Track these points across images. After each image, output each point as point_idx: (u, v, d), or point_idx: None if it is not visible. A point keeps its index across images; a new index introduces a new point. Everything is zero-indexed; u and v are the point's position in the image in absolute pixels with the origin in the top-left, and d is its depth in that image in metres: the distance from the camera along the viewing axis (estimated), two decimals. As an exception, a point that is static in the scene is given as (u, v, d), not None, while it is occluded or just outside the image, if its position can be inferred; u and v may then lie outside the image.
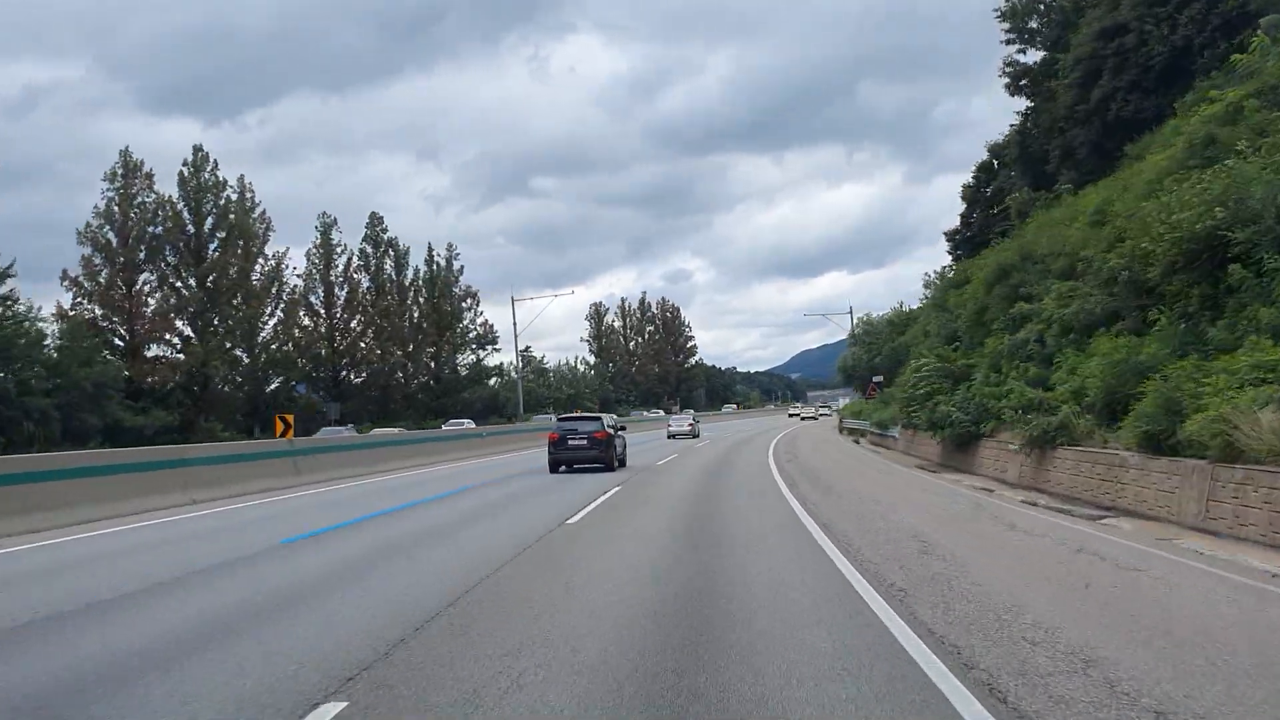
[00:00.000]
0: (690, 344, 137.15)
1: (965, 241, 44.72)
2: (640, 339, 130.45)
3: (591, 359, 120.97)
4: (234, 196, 61.81)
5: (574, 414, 32.02)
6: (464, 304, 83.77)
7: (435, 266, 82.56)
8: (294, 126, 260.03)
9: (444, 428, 53.04)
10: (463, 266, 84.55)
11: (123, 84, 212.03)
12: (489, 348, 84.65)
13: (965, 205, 44.50)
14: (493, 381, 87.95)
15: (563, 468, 23.65)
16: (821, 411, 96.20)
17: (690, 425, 53.76)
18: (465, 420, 59.31)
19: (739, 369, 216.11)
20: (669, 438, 48.97)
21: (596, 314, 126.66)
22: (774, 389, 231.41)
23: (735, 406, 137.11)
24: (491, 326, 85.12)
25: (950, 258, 46.44)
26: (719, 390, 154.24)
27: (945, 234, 46.48)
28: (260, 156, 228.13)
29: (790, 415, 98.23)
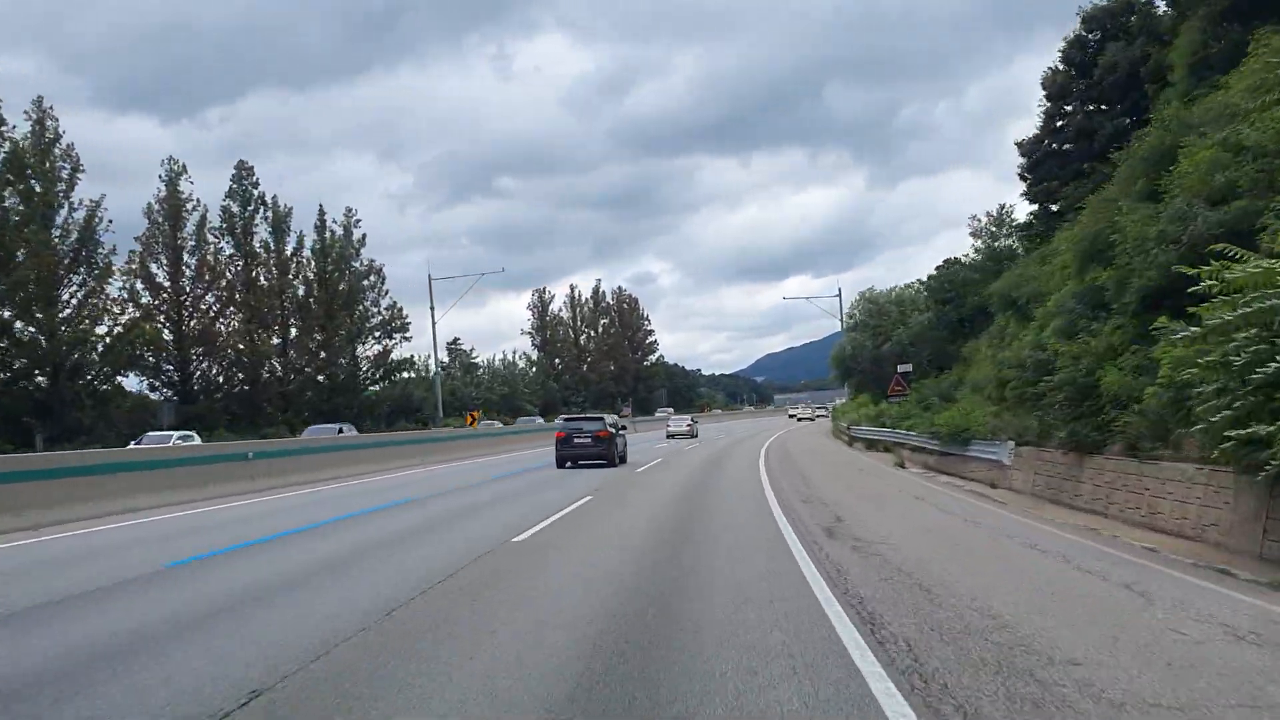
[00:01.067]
0: (650, 339, 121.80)
1: (1050, 159, 29.67)
2: (593, 332, 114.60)
3: (534, 354, 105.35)
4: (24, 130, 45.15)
5: (578, 415, 36.48)
6: (366, 282, 67.54)
7: (329, 234, 66.23)
8: (256, 125, 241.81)
9: (304, 435, 40.29)
10: (365, 235, 68.14)
11: (78, 79, 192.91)
12: (397, 336, 68.39)
13: (1050, 100, 29.41)
14: (407, 378, 71.80)
15: (568, 464, 26.30)
16: (819, 413, 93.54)
17: (689, 426, 56.46)
18: (341, 426, 43.28)
19: (702, 371, 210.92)
20: (668, 437, 52.07)
21: (540, 302, 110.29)
22: (738, 392, 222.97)
23: (701, 409, 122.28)
24: (401, 310, 68.94)
25: (1024, 181, 31.36)
26: (681, 391, 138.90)
27: (1018, 145, 31.40)
28: (221, 155, 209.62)
29: (790, 416, 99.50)
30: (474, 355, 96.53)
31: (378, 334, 67.76)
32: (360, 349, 67.19)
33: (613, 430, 26.92)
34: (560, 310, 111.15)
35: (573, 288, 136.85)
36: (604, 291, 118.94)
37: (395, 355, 69.04)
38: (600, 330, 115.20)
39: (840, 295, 69.96)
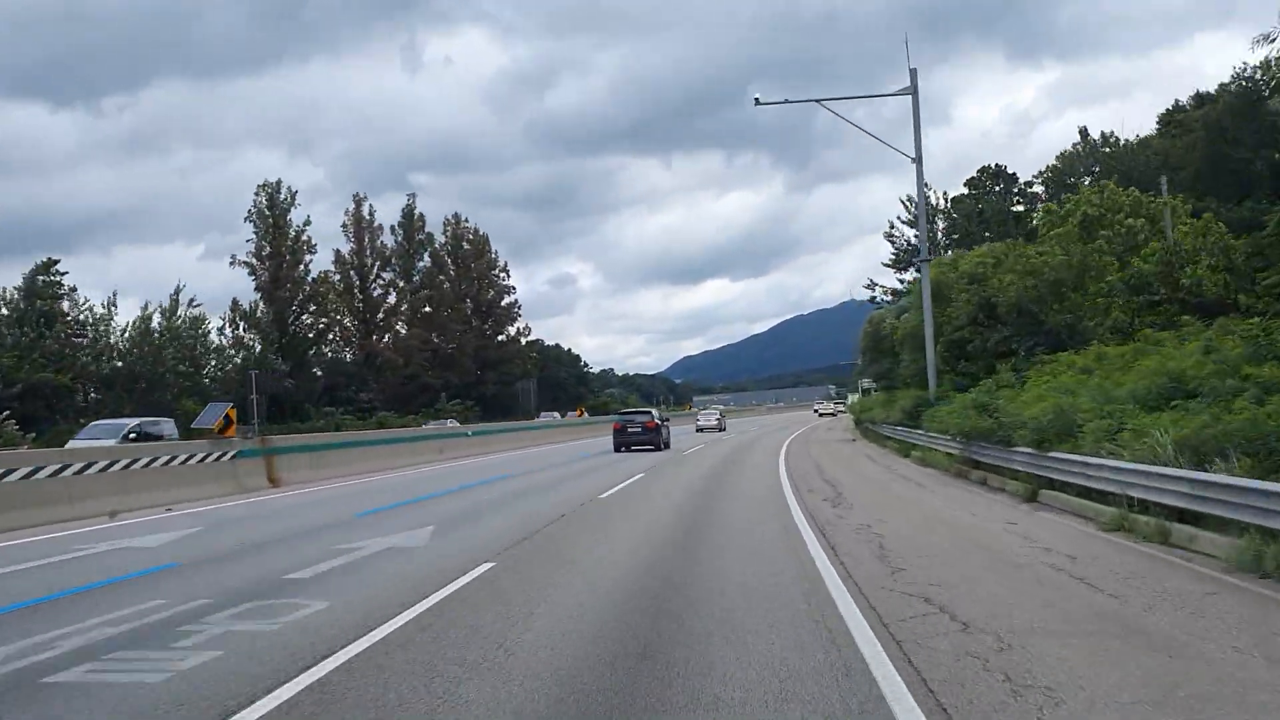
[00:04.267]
0: (511, 303, 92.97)
1: None
2: (403, 285, 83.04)
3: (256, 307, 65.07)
4: None
5: (631, 409, 46.50)
6: None
7: None
8: (159, 115, 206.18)
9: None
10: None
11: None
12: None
13: None
14: None
15: (624, 449, 33.25)
16: (839, 409, 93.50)
17: (717, 420, 59.01)
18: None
19: (614, 371, 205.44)
20: (698, 430, 54.73)
21: (270, 199, 65.84)
22: (654, 393, 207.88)
23: (579, 412, 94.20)
24: None
25: None
26: (567, 385, 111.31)
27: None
28: (122, 146, 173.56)
29: (813, 411, 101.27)
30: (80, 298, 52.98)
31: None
32: None
33: (659, 421, 35.47)
34: (337, 237, 79.18)
35: (358, 200, 79.92)
36: (420, 214, 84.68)
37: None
38: (418, 280, 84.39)
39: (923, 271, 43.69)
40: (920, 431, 25.56)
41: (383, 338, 77.53)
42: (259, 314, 62.33)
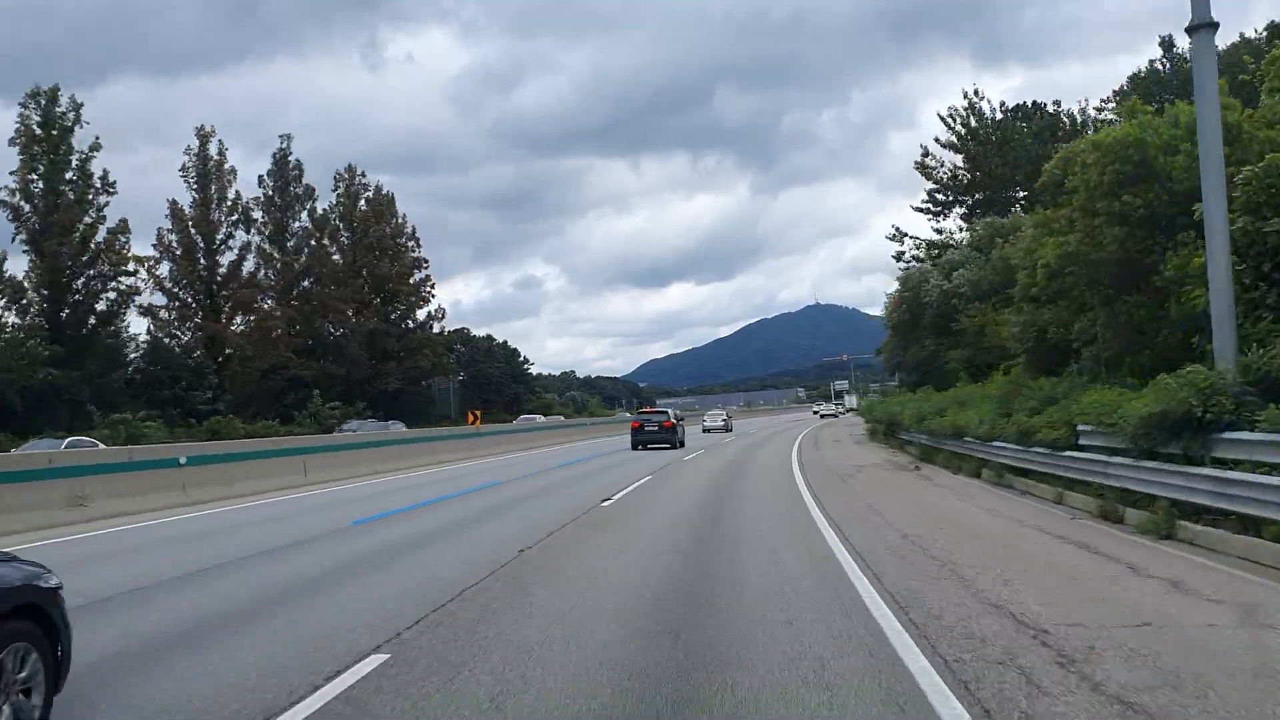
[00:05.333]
0: (422, 280, 74.46)
1: None
2: (271, 251, 64.37)
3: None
4: None
5: (648, 409, 49.93)
6: None
7: None
8: (118, 113, 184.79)
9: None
10: None
11: None
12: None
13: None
14: None
15: (641, 447, 34.35)
16: (839, 410, 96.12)
17: (724, 421, 58.35)
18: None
19: (576, 373, 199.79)
20: (704, 431, 52.56)
21: (45, 116, 46.61)
22: (617, 395, 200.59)
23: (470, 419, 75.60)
24: None
25: None
26: (500, 385, 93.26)
27: None
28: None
29: (814, 412, 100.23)
30: None
31: None
32: None
33: (675, 420, 36.61)
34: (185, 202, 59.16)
35: (203, 134, 58.88)
36: (297, 161, 65.66)
37: None
38: (293, 245, 65.38)
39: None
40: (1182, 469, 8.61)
41: (233, 318, 59.00)
42: (28, 279, 44.00)
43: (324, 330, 65.10)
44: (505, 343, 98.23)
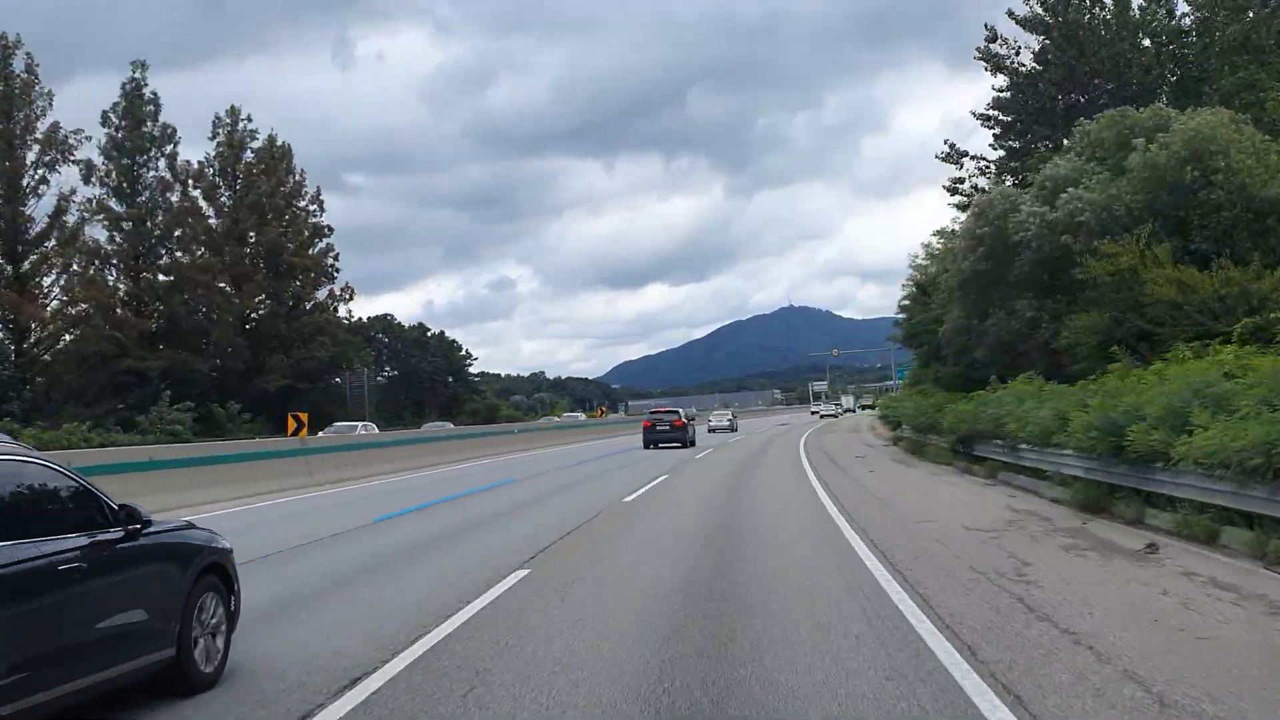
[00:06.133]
0: (323, 250, 60.32)
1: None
2: (116, 206, 49.91)
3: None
4: None
5: (659, 408, 43.94)
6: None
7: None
8: (82, 112, 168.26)
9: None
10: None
11: None
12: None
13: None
14: None
15: (652, 446, 34.58)
16: (841, 409, 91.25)
17: (729, 421, 57.08)
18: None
19: (545, 374, 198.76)
20: (710, 431, 51.46)
21: None
22: (588, 398, 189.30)
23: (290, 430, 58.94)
24: None
25: None
26: (430, 382, 79.17)
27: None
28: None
29: (813, 413, 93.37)
30: None
31: None
32: None
33: (686, 420, 36.82)
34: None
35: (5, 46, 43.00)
36: (153, 95, 51.63)
37: None
38: (145, 201, 50.48)
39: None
40: None
41: (49, 291, 44.81)
42: None
43: (191, 310, 51.03)
44: (442, 334, 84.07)
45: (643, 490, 17.51)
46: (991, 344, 22.21)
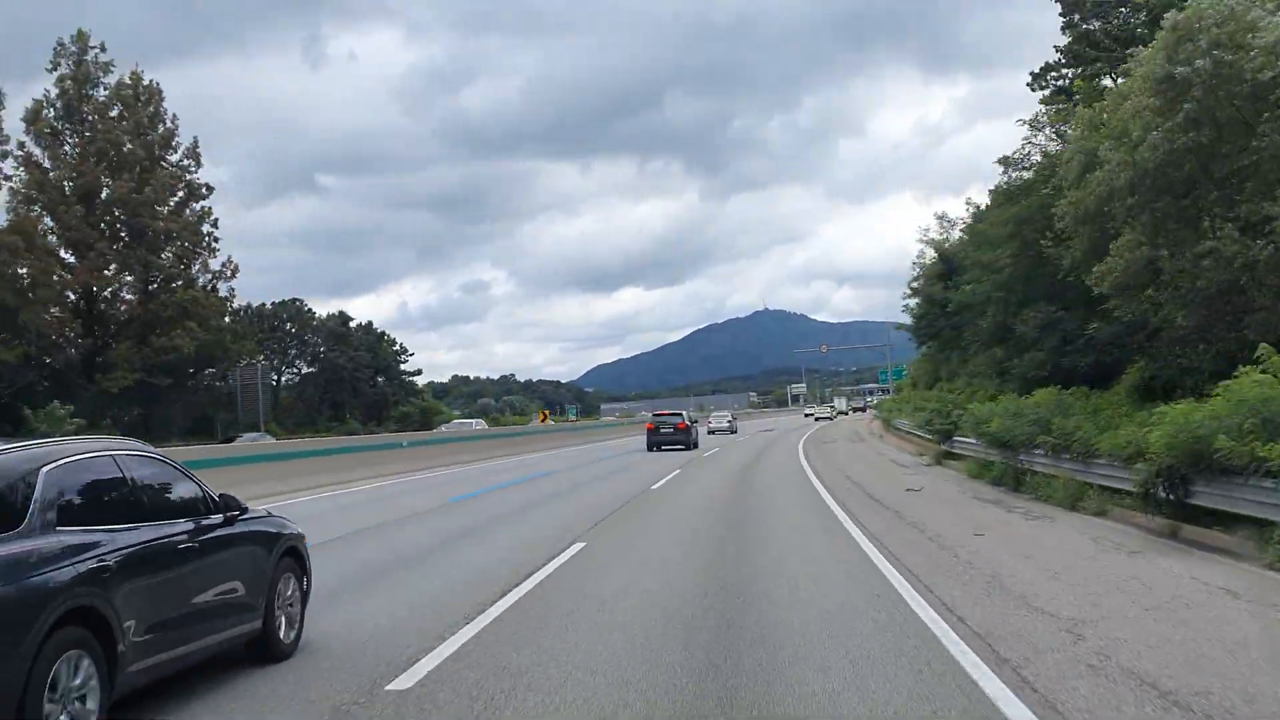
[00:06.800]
0: (199, 217, 47.02)
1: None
2: None
3: None
4: None
5: (663, 411, 43.26)
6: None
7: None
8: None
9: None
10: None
11: None
12: None
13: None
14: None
15: (656, 449, 33.03)
16: (835, 411, 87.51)
17: (729, 423, 55.97)
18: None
19: (517, 377, 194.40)
20: (709, 433, 49.57)
21: None
22: (558, 401, 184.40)
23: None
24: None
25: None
26: (360, 388, 67.28)
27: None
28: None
29: (806, 415, 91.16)
30: None
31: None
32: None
33: (689, 423, 35.39)
34: None
35: None
36: None
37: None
38: None
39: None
40: None
41: None
42: None
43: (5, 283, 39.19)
44: (369, 325, 71.77)
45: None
46: (1195, 296, 11.40)
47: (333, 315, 68.62)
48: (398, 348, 72.96)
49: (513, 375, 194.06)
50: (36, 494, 4.33)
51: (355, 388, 65.40)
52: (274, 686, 5.33)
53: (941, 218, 47.64)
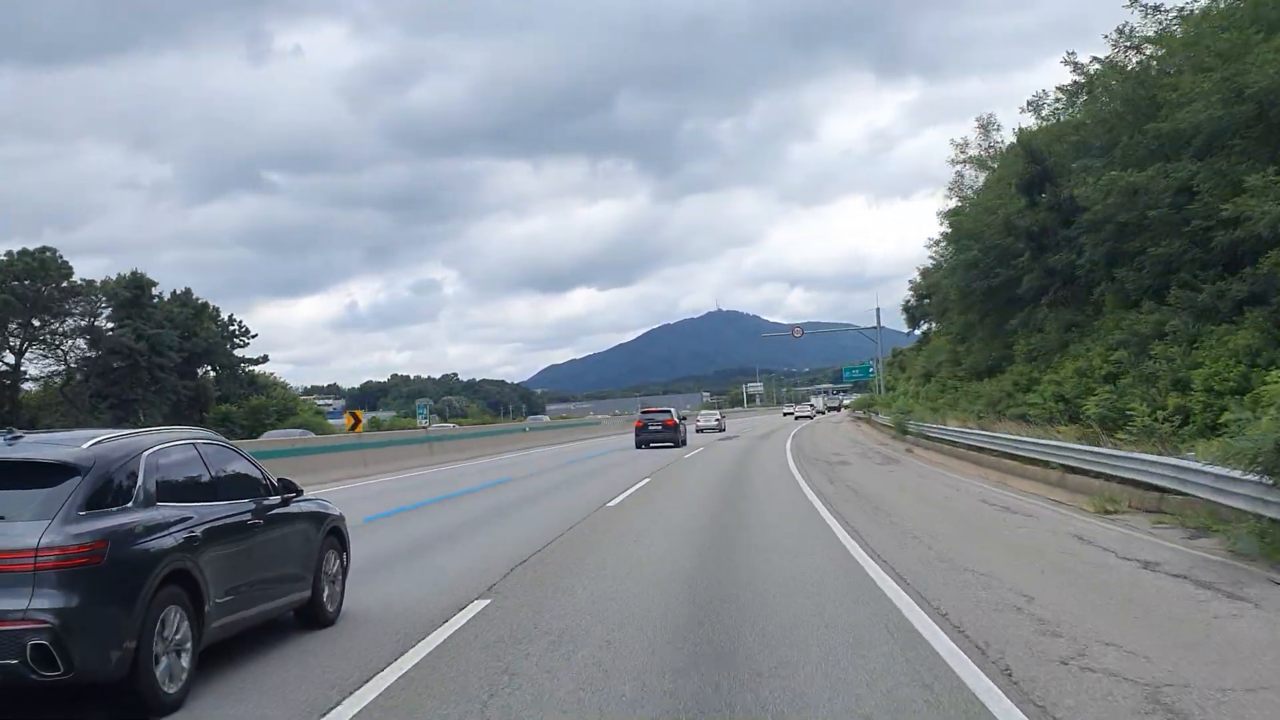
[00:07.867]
0: None
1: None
2: None
3: None
4: None
5: (652, 408, 42.63)
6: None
7: None
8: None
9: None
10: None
11: None
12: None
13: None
14: None
15: (644, 445, 33.82)
16: (815, 410, 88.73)
17: (717, 421, 56.39)
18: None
19: (460, 376, 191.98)
20: (698, 431, 50.29)
21: None
22: (504, 401, 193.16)
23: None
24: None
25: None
26: (163, 375, 61.26)
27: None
28: None
29: (785, 414, 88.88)
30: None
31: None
32: None
33: (677, 420, 35.99)
34: None
35: None
36: None
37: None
38: None
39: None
40: None
41: None
42: None
43: None
44: (187, 293, 56.36)
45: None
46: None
47: (122, 277, 53.57)
48: (232, 326, 58.66)
49: (455, 374, 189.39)
50: (140, 475, 5.19)
51: (154, 377, 50.95)
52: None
53: (987, 124, 39.29)
